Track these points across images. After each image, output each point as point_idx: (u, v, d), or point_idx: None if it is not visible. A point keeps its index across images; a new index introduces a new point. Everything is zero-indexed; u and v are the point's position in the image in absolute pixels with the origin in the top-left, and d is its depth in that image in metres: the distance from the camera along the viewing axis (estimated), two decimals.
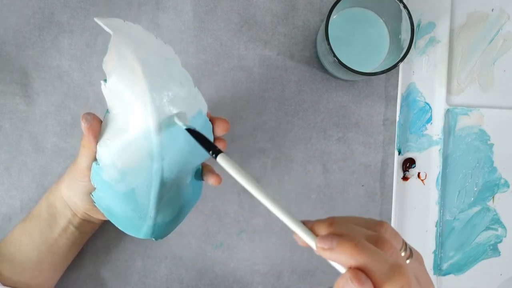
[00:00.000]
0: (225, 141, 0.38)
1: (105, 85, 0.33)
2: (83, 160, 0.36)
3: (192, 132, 0.33)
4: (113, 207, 0.38)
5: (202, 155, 0.37)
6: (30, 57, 0.48)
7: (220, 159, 0.30)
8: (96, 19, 0.32)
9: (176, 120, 0.33)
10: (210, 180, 0.39)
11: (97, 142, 0.35)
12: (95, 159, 0.36)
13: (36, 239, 0.41)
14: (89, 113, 0.34)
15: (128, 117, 0.33)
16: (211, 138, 0.37)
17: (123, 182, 0.35)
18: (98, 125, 0.35)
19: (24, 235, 0.41)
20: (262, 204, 0.49)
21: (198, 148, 0.36)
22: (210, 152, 0.31)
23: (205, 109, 0.36)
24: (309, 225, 0.29)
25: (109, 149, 0.34)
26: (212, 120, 0.37)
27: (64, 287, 0.48)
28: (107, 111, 0.35)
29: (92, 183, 0.37)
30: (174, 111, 0.33)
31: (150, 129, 0.33)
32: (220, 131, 0.37)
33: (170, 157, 0.34)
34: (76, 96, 0.49)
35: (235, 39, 0.49)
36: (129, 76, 0.32)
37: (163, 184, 0.36)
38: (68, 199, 0.40)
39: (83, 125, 0.34)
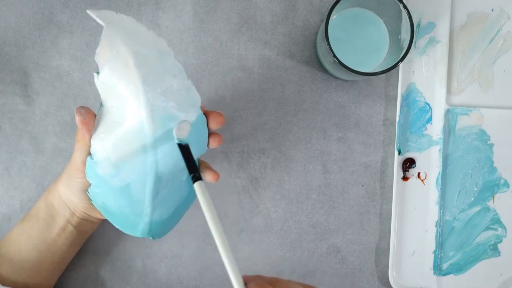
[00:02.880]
0: (220, 136, 0.38)
1: (97, 77, 0.33)
2: (78, 155, 0.36)
3: (183, 147, 0.34)
4: (109, 204, 0.37)
5: (197, 149, 0.37)
6: (30, 57, 0.48)
7: (196, 186, 0.32)
8: (88, 11, 0.32)
9: (174, 132, 0.34)
10: (208, 177, 0.39)
11: (91, 136, 0.35)
12: (89, 154, 0.36)
13: (35, 239, 0.41)
14: (83, 107, 0.34)
15: (121, 110, 0.33)
16: (206, 132, 0.37)
17: (118, 177, 0.35)
18: (92, 119, 0.35)
19: (22, 235, 0.41)
20: (262, 204, 0.49)
21: (193, 141, 0.35)
22: (191, 175, 0.33)
23: (199, 102, 0.35)
24: (250, 284, 0.29)
25: (103, 143, 0.34)
26: (206, 113, 0.37)
27: (64, 287, 0.48)
28: (101, 104, 0.35)
29: (87, 179, 0.37)
30: (168, 103, 0.33)
31: (143, 121, 0.33)
32: (215, 124, 0.37)
33: (164, 150, 0.34)
34: (76, 96, 0.49)
35: (235, 39, 0.49)
36: (121, 68, 0.32)
37: (158, 179, 0.35)
38: (66, 198, 0.40)
39: (77, 118, 0.34)
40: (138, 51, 0.32)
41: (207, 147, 0.38)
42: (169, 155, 0.35)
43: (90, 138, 0.35)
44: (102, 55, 0.32)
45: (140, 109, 0.32)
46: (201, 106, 0.36)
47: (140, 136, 0.33)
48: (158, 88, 0.32)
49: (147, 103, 0.32)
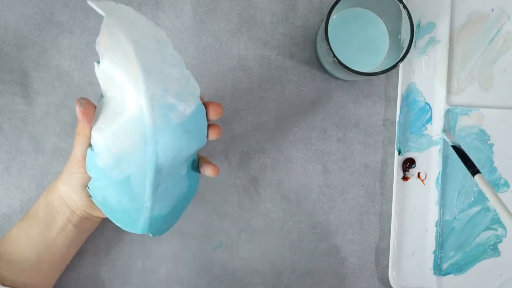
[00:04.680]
0: (219, 127, 0.38)
1: (98, 66, 0.33)
2: (78, 149, 0.36)
3: (457, 149, 0.38)
4: (109, 199, 0.38)
5: (197, 140, 0.37)
6: (30, 57, 0.48)
7: (477, 177, 0.37)
8: (88, 1, 0.32)
9: (444, 135, 0.39)
10: (208, 171, 0.39)
11: (91, 127, 0.35)
12: (90, 146, 0.36)
13: (34, 238, 0.41)
14: (83, 98, 0.34)
15: (121, 99, 0.33)
16: (205, 123, 0.37)
17: (117, 169, 0.35)
18: (92, 110, 0.35)
19: (22, 235, 0.41)
20: (262, 204, 0.49)
21: (193, 132, 0.35)
22: (470, 170, 0.38)
23: (198, 92, 0.36)
24: None
25: (103, 134, 0.34)
26: (205, 104, 0.37)
27: (64, 287, 0.48)
28: (101, 95, 0.35)
29: (87, 172, 0.37)
30: (167, 91, 0.33)
31: (143, 111, 0.33)
32: (214, 115, 0.37)
33: (164, 141, 0.34)
34: (76, 96, 0.49)
35: (235, 39, 0.49)
36: (121, 57, 0.32)
37: (158, 171, 0.36)
38: (66, 197, 0.40)
39: (78, 109, 0.34)
40: (138, 40, 0.32)
41: (206, 139, 0.38)
42: (169, 146, 0.35)
43: (91, 129, 0.35)
44: (102, 44, 0.32)
45: (139, 97, 0.32)
46: (200, 96, 0.36)
47: (140, 125, 0.33)
48: (157, 77, 0.33)
49: (147, 92, 0.32)
